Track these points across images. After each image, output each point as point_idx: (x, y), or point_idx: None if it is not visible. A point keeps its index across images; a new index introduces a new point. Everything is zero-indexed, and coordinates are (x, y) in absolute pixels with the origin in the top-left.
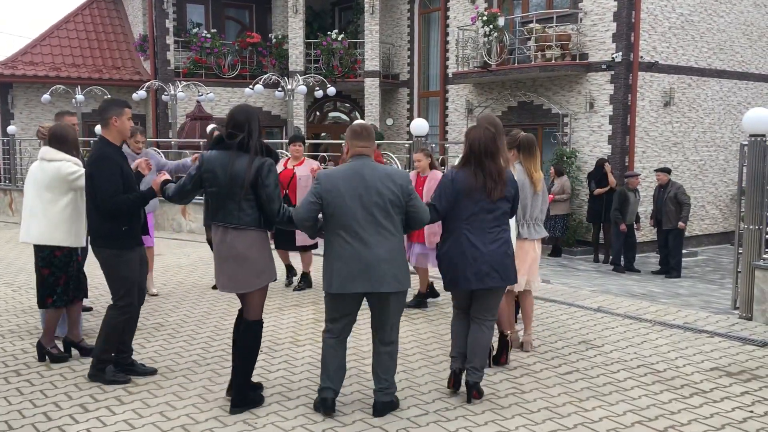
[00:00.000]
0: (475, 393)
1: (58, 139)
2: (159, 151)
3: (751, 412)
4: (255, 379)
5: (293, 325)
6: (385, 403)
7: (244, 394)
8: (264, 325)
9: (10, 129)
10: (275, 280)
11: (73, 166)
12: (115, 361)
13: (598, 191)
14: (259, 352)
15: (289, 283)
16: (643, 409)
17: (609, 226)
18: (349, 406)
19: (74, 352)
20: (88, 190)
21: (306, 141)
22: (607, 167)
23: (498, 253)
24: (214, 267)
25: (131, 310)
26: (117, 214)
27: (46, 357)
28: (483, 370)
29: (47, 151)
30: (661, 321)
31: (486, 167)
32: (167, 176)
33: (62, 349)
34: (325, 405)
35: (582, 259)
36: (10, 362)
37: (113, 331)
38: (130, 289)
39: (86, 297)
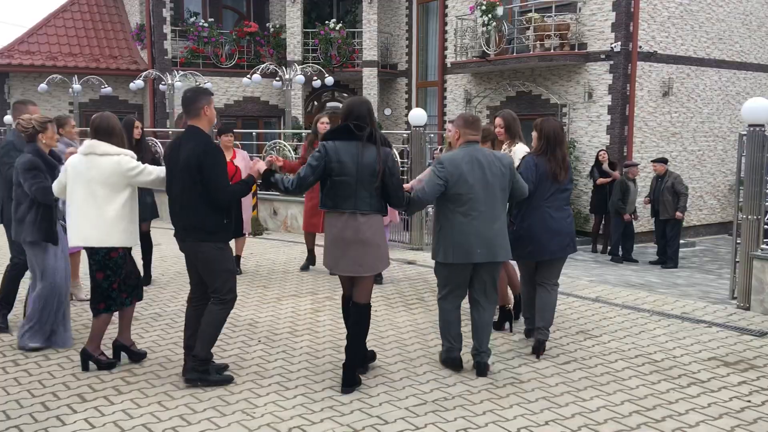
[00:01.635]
0: (542, 351)
1: (106, 131)
2: (157, 141)
3: (749, 401)
4: (251, 367)
5: (291, 315)
6: (485, 364)
7: (356, 374)
8: (262, 315)
9: (7, 119)
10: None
11: (132, 161)
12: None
13: (600, 181)
14: (255, 342)
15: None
16: (641, 399)
17: (606, 216)
18: (347, 396)
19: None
20: (193, 182)
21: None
22: (602, 156)
23: (571, 227)
24: (327, 251)
25: (234, 304)
26: (230, 205)
27: (94, 365)
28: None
29: (97, 144)
30: (659, 311)
31: (557, 154)
32: (262, 163)
33: (110, 355)
34: (456, 363)
35: (580, 249)
36: (8, 352)
37: (219, 328)
38: (235, 282)
39: (141, 299)
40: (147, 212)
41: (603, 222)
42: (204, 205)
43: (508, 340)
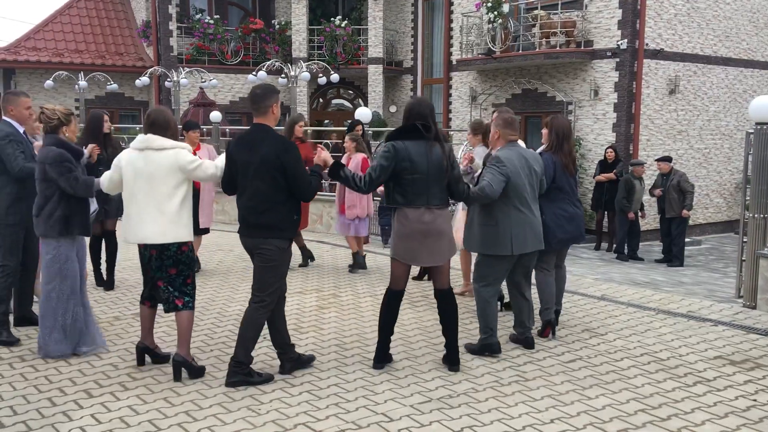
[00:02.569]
0: (546, 333)
1: (162, 125)
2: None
3: (755, 400)
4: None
5: (296, 312)
6: (531, 339)
7: (457, 354)
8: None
9: None
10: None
11: (189, 154)
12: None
13: (598, 178)
14: (259, 339)
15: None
16: (647, 398)
17: (611, 214)
18: (352, 393)
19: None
20: (272, 180)
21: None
22: (608, 154)
23: (582, 218)
24: (401, 244)
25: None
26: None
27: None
28: None
29: (153, 139)
30: (664, 309)
31: (565, 149)
32: (327, 153)
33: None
34: (496, 347)
35: (585, 247)
36: (15, 349)
37: (259, 330)
38: (280, 285)
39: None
40: (113, 208)
41: (605, 219)
42: (281, 202)
43: None
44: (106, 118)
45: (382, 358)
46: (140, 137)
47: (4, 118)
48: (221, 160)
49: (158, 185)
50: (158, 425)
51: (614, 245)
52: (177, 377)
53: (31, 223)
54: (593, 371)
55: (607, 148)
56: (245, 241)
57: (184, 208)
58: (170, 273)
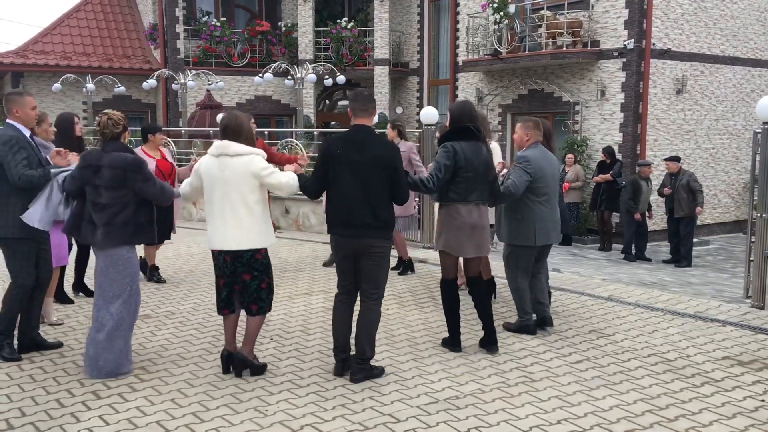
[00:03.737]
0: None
1: (235, 131)
2: (169, 140)
3: (763, 401)
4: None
5: (303, 313)
6: (549, 317)
7: (495, 335)
8: (274, 313)
9: None
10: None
11: (263, 161)
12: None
13: (595, 179)
14: (267, 341)
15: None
16: (654, 398)
17: (608, 214)
18: (359, 393)
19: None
20: (381, 180)
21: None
22: (603, 156)
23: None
24: (449, 237)
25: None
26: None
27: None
28: None
29: (228, 145)
30: (672, 310)
31: (552, 148)
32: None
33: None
34: (532, 329)
35: (592, 247)
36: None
37: (377, 325)
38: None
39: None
40: None
41: (602, 218)
42: (389, 201)
43: (520, 338)
44: (77, 120)
45: (458, 342)
46: (216, 143)
47: (8, 121)
48: (291, 174)
49: (233, 192)
50: (166, 426)
51: (605, 244)
52: (238, 374)
53: (43, 236)
54: (600, 372)
55: (602, 150)
56: (350, 242)
57: (259, 214)
58: (244, 279)
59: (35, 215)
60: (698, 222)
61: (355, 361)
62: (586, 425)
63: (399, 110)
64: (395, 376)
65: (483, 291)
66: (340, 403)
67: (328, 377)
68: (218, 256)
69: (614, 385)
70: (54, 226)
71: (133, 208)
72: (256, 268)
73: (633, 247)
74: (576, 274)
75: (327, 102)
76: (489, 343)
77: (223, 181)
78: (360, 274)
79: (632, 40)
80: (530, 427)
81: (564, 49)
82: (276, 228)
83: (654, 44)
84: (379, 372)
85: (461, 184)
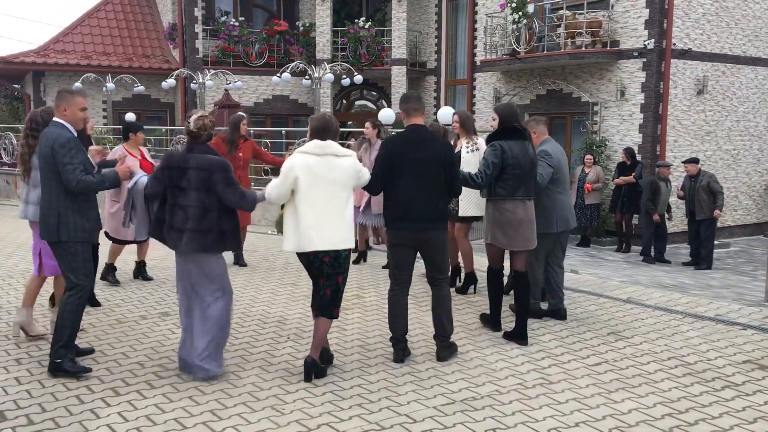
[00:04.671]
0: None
1: (334, 131)
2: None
3: None
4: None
5: None
6: (564, 310)
7: (526, 330)
8: (291, 312)
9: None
10: None
11: (358, 161)
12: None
13: (616, 181)
14: (284, 339)
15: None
16: (674, 402)
17: (628, 216)
18: (375, 394)
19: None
20: (442, 176)
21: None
22: (623, 157)
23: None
24: (497, 231)
25: None
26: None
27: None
28: None
29: (332, 144)
30: (692, 313)
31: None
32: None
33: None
34: (562, 313)
35: (610, 249)
36: (44, 346)
37: (451, 302)
38: None
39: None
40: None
41: (623, 220)
42: (445, 196)
43: (537, 340)
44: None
45: (497, 323)
46: (317, 143)
47: (56, 119)
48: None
49: (339, 191)
50: (184, 423)
51: (624, 246)
52: (308, 378)
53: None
54: (619, 374)
55: (623, 151)
56: (413, 235)
57: (351, 213)
58: (338, 281)
59: (141, 230)
60: (719, 224)
61: (440, 341)
62: (604, 428)
63: None
64: (411, 376)
65: (526, 285)
66: (357, 403)
67: (344, 377)
68: (314, 258)
69: (633, 388)
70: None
71: (217, 214)
72: (345, 269)
73: (652, 249)
74: (594, 275)
75: (344, 102)
76: (519, 337)
77: (330, 181)
78: (426, 263)
79: (652, 40)
80: (548, 429)
81: (583, 49)
82: None
83: (675, 44)
84: (456, 347)
85: (509, 181)
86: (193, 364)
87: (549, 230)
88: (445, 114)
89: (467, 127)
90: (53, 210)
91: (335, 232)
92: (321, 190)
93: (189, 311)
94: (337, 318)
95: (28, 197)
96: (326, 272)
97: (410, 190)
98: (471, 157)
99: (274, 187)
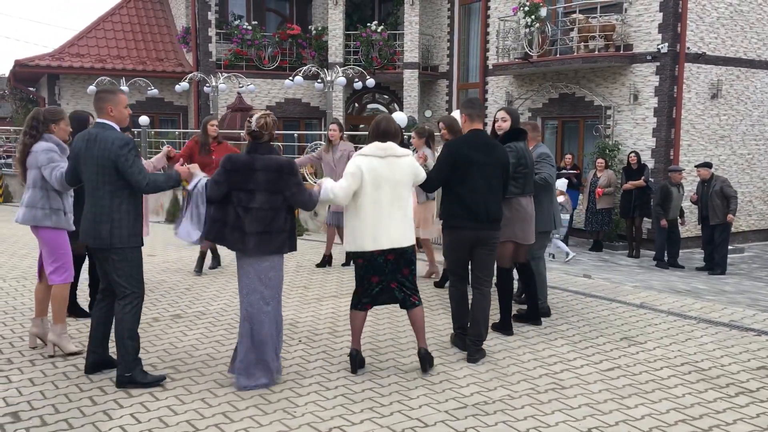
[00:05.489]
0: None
1: (395, 133)
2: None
3: None
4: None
5: (331, 315)
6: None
7: (538, 310)
8: (303, 315)
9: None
10: None
11: (415, 161)
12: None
13: (625, 186)
14: (296, 342)
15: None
16: (687, 408)
17: (639, 221)
18: (387, 397)
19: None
20: (502, 178)
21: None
22: (631, 159)
23: None
24: (518, 228)
25: None
26: None
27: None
28: None
29: (393, 146)
30: (706, 318)
31: None
32: None
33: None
34: (548, 310)
35: (623, 254)
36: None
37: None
38: None
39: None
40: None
41: (633, 225)
42: (501, 197)
43: (550, 344)
44: (92, 120)
45: (509, 327)
46: (378, 145)
47: (103, 121)
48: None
49: (402, 191)
50: (196, 425)
51: (634, 250)
52: (425, 369)
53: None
54: (632, 380)
55: (630, 153)
56: (475, 234)
57: (412, 212)
58: (404, 273)
59: (192, 233)
60: (733, 229)
61: (474, 343)
62: None
63: (428, 113)
64: (423, 380)
65: (531, 271)
66: (368, 406)
67: (356, 380)
68: (378, 256)
69: (646, 393)
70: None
71: (284, 215)
72: (413, 262)
73: (665, 254)
74: (607, 280)
75: (356, 105)
76: (533, 318)
77: (394, 181)
78: (475, 263)
79: (666, 43)
80: None
81: (596, 52)
82: (304, 230)
83: (689, 48)
84: (485, 352)
85: (520, 180)
86: (247, 370)
87: (548, 228)
88: (458, 117)
89: (455, 132)
90: (106, 216)
91: (400, 230)
92: (386, 191)
93: (249, 314)
94: (420, 304)
95: (23, 199)
96: (387, 269)
97: (475, 191)
98: None
99: (341, 188)
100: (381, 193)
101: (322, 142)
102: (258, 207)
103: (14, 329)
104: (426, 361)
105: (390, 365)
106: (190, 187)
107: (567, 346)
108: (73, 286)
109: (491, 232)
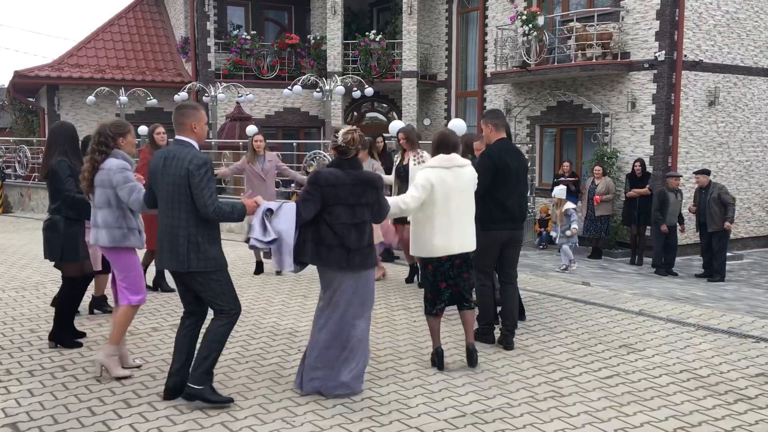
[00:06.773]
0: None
1: (455, 144)
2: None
3: None
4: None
5: None
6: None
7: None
8: (302, 324)
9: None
10: None
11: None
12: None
13: (629, 193)
14: (299, 351)
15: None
16: (686, 415)
17: (643, 228)
18: (386, 406)
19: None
20: (523, 181)
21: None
22: (636, 168)
23: None
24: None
25: None
26: None
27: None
28: None
29: (456, 157)
30: (704, 325)
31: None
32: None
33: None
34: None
35: (622, 261)
36: (56, 358)
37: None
38: None
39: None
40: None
41: (637, 233)
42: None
43: (549, 353)
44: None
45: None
46: (443, 157)
47: (183, 138)
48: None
49: (467, 198)
50: None
51: (637, 258)
52: (472, 363)
53: None
54: (631, 387)
55: (635, 162)
56: (510, 234)
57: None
58: (464, 278)
59: (285, 261)
60: (731, 236)
61: (511, 332)
62: None
63: (427, 122)
64: (422, 389)
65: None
66: (367, 416)
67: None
68: (446, 262)
69: (645, 401)
70: None
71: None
72: (471, 266)
73: (663, 260)
74: (606, 288)
75: (355, 114)
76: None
77: (460, 190)
78: (506, 261)
79: (663, 51)
80: None
81: (594, 60)
82: None
83: (686, 56)
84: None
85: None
86: (340, 383)
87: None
88: (457, 126)
89: (412, 141)
90: (182, 237)
91: (467, 236)
92: (453, 200)
93: (346, 326)
94: (473, 306)
95: (96, 220)
96: (453, 274)
97: (512, 195)
98: (417, 169)
99: (413, 199)
100: (449, 201)
101: (321, 152)
102: (360, 222)
103: (13, 340)
104: (473, 356)
105: (389, 374)
106: (273, 217)
107: (566, 354)
108: (73, 311)
109: (521, 232)
